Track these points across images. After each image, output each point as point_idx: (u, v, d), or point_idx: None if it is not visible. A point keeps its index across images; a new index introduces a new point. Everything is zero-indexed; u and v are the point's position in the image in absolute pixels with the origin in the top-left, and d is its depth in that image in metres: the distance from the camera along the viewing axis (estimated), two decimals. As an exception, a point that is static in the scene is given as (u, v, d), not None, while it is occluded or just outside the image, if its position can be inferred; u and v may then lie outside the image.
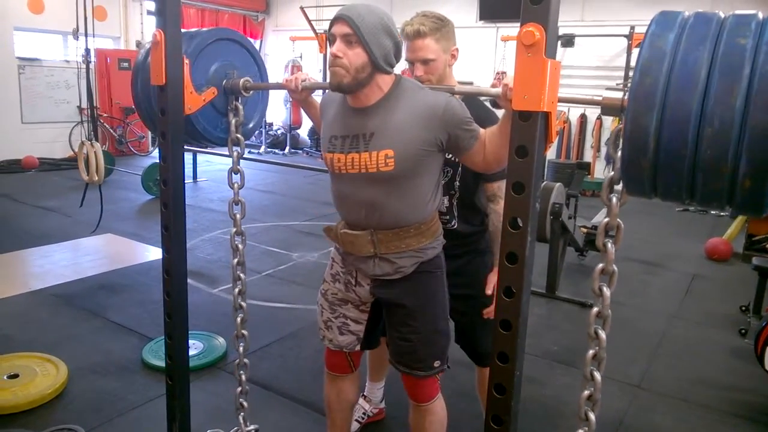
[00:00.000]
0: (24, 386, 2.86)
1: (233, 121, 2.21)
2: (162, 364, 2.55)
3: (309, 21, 11.35)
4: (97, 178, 4.92)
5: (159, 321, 2.15)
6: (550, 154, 8.65)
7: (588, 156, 10.03)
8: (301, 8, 11.25)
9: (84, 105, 5.76)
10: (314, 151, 12.43)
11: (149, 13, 11.04)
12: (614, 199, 1.37)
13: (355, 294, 2.03)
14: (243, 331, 2.31)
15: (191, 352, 3.06)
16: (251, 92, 2.20)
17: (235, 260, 2.31)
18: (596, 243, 1.38)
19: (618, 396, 3.12)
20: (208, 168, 9.61)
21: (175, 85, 1.86)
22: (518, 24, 1.18)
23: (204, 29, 2.30)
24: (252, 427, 2.42)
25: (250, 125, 2.41)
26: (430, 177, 1.89)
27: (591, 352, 1.38)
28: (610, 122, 9.72)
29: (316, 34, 11.58)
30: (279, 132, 13.01)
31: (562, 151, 10.11)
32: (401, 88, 1.85)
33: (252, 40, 13.44)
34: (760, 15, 1.14)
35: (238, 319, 2.30)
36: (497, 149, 1.76)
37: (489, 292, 2.12)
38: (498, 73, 9.59)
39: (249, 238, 6.06)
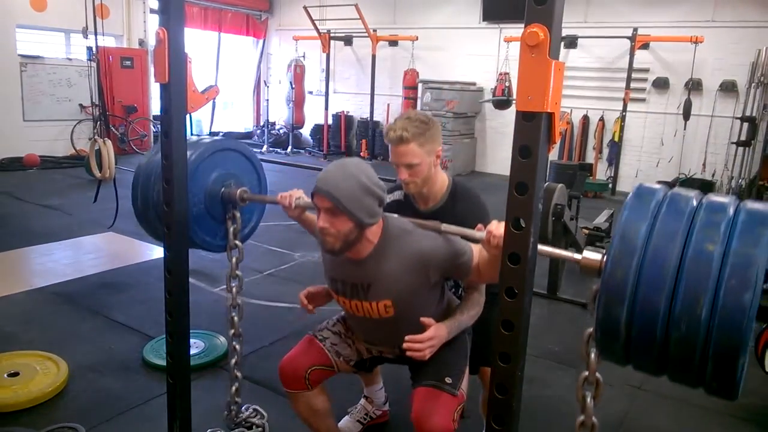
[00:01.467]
0: (24, 384, 2.86)
1: (231, 229, 2.27)
2: (163, 362, 2.55)
3: (312, 20, 11.35)
4: (109, 174, 4.94)
5: (160, 320, 2.15)
6: (552, 155, 8.64)
7: (590, 157, 10.03)
8: (305, 8, 11.26)
9: (89, 103, 5.78)
10: (316, 150, 12.44)
11: (152, 11, 11.04)
12: (593, 355, 1.39)
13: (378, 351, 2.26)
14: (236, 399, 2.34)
15: (192, 351, 3.05)
16: (248, 202, 2.29)
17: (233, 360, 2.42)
18: (576, 395, 1.41)
19: (618, 397, 3.11)
20: (210, 167, 9.59)
21: (178, 83, 1.86)
22: (522, 25, 1.18)
23: (209, 139, 2.34)
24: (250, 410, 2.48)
25: (247, 230, 2.50)
26: (434, 298, 2.02)
27: None
28: (612, 124, 9.72)
29: (319, 33, 11.58)
30: (281, 131, 13.01)
31: (564, 153, 10.10)
32: (389, 236, 1.92)
33: (256, 40, 13.45)
34: (731, 211, 1.15)
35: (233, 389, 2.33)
36: (489, 273, 1.84)
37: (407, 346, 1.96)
38: (501, 74, 9.58)
39: (252, 237, 6.03)
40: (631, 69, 9.19)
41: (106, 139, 4.99)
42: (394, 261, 1.89)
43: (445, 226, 1.85)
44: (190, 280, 2.14)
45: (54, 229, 5.81)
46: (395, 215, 1.99)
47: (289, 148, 12.44)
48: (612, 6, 9.64)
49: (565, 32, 8.59)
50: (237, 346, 2.46)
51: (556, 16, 1.17)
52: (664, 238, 1.16)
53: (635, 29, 9.06)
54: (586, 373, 1.39)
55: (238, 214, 2.28)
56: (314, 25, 11.44)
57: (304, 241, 5.70)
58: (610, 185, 9.55)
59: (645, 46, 9.22)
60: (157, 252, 5.18)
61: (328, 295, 2.22)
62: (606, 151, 9.91)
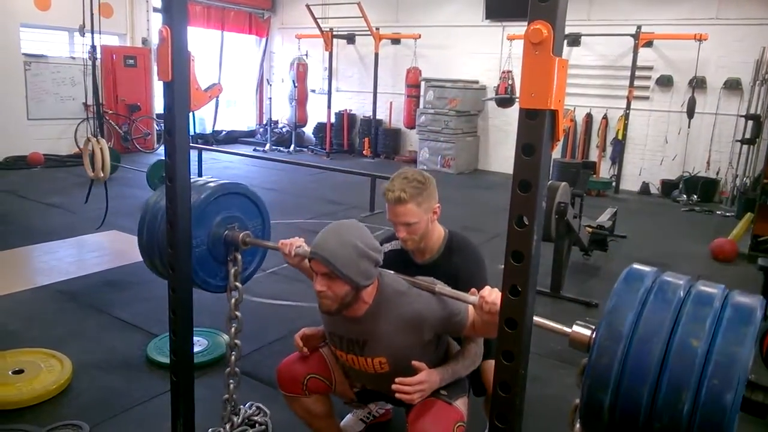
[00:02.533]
0: (29, 382, 2.87)
1: (232, 271, 2.29)
2: (166, 360, 2.56)
3: (315, 19, 11.35)
4: (102, 175, 4.93)
5: (164, 317, 2.16)
6: (556, 153, 8.63)
7: (593, 155, 10.01)
8: (307, 6, 11.26)
9: (90, 102, 5.78)
10: (319, 149, 12.44)
11: (155, 10, 11.05)
12: (577, 425, 1.41)
13: None
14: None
15: (195, 349, 3.06)
16: (249, 246, 2.33)
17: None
18: None
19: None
20: (214, 165, 9.62)
21: (181, 81, 1.86)
22: (524, 23, 1.18)
23: (215, 183, 2.36)
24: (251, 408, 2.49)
25: (248, 272, 2.54)
26: (430, 354, 2.02)
27: None
28: (615, 122, 9.70)
29: (321, 32, 11.58)
30: (284, 130, 13.02)
31: (568, 151, 10.08)
32: (384, 297, 1.94)
33: (258, 38, 13.44)
34: (718, 303, 1.16)
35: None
36: (484, 331, 1.90)
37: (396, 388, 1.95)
38: (503, 72, 9.57)
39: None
40: (634, 67, 9.17)
41: (100, 138, 4.97)
42: (388, 322, 1.93)
43: (439, 288, 1.88)
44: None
45: (57, 227, 5.82)
46: (391, 272, 2.01)
47: (292, 146, 12.44)
48: (615, 4, 9.62)
49: (568, 30, 8.59)
50: (232, 385, 2.48)
51: (560, 13, 1.17)
52: (650, 329, 1.18)
53: (639, 27, 9.04)
54: None
55: (239, 257, 2.31)
56: (317, 23, 11.44)
57: (306, 239, 5.69)
58: (614, 183, 9.53)
59: (649, 43, 9.20)
60: (160, 250, 5.18)
61: (323, 336, 2.25)
62: (609, 149, 9.89)
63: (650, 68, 9.43)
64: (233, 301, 2.35)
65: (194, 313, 2.14)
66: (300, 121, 12.43)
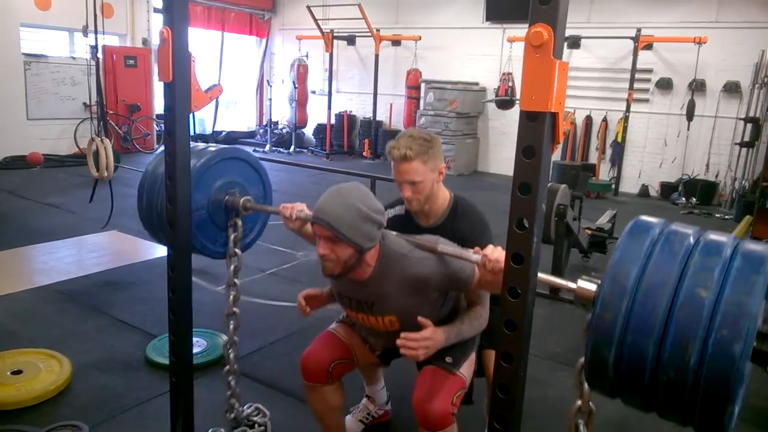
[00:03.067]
0: (28, 382, 2.87)
1: (232, 237, 2.29)
2: (166, 361, 2.56)
3: (315, 20, 11.35)
4: (106, 174, 4.94)
5: (163, 318, 2.16)
6: (555, 155, 8.64)
7: (593, 158, 10.02)
8: (308, 7, 11.26)
9: (91, 102, 5.78)
10: (319, 150, 12.44)
11: (156, 10, 11.05)
12: (586, 385, 1.39)
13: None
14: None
15: (195, 350, 3.06)
16: (250, 211, 2.30)
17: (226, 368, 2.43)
18: (568, 425, 1.41)
19: (619, 401, 3.10)
20: (213, 166, 9.60)
21: (181, 82, 1.86)
22: (524, 25, 1.18)
23: (214, 148, 2.34)
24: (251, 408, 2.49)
25: (249, 239, 2.50)
26: (438, 305, 2.02)
27: None
28: (615, 124, 9.71)
29: (322, 33, 11.58)
30: (284, 131, 13.02)
31: (568, 153, 10.09)
32: (387, 259, 1.94)
33: (259, 39, 13.45)
34: (729, 251, 1.13)
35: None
36: (490, 288, 1.91)
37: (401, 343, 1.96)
38: (504, 74, 9.57)
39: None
40: (634, 69, 9.18)
41: (104, 138, 4.98)
42: (393, 284, 1.93)
43: (441, 247, 1.86)
44: (193, 278, 2.14)
45: (57, 227, 5.82)
46: (393, 233, 2.00)
47: (292, 147, 12.45)
48: (615, 6, 9.63)
49: (568, 33, 8.57)
50: (232, 354, 2.47)
51: (561, 16, 1.17)
52: (656, 282, 1.14)
53: (639, 30, 9.05)
54: (579, 402, 1.39)
55: (240, 223, 2.29)
56: (317, 24, 11.45)
57: (305, 241, 5.69)
58: (613, 186, 9.54)
59: (648, 46, 9.21)
60: (160, 250, 5.18)
61: (326, 298, 2.24)
62: (609, 151, 9.90)
63: (650, 71, 9.44)
64: (232, 267, 2.34)
65: (193, 313, 2.14)
66: (300, 122, 12.44)
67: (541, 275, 1.38)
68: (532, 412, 2.85)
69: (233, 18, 12.98)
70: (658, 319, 1.12)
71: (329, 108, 12.00)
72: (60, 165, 9.35)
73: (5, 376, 2.89)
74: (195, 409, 2.22)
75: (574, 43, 9.65)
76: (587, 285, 1.31)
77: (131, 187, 7.97)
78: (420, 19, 11.37)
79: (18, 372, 2.93)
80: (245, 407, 2.68)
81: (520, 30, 9.19)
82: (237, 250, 2.32)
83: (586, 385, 1.37)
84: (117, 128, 10.51)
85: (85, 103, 9.98)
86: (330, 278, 1.97)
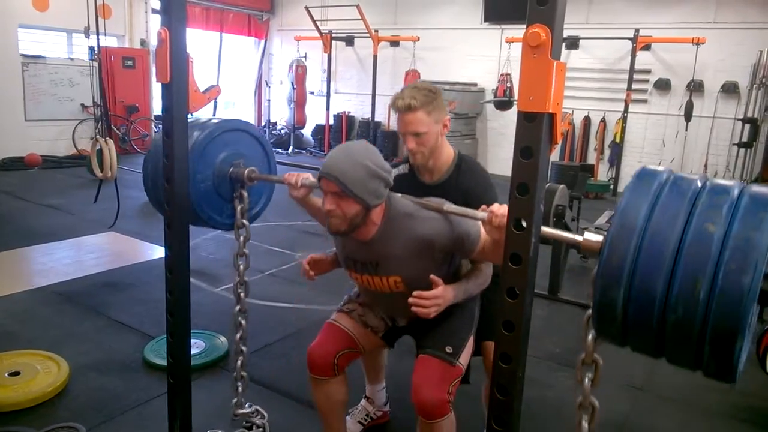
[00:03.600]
0: (25, 384, 2.86)
1: (239, 208, 2.28)
2: (163, 362, 2.55)
3: (314, 21, 11.35)
4: (110, 174, 4.96)
5: (161, 319, 2.15)
6: (554, 156, 8.65)
7: (591, 158, 10.02)
8: (306, 8, 11.26)
9: (91, 103, 5.80)
10: (318, 150, 12.44)
11: (154, 11, 11.05)
12: (590, 337, 1.37)
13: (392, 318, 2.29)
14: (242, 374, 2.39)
15: (193, 351, 3.06)
16: (255, 182, 2.29)
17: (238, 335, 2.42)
18: (576, 376, 1.39)
19: (620, 398, 3.11)
20: (211, 167, 9.60)
21: (179, 83, 1.86)
22: (523, 26, 1.18)
23: (217, 120, 2.34)
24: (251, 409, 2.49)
25: (255, 211, 2.49)
26: (444, 266, 2.01)
27: None
28: (613, 125, 9.71)
29: (320, 34, 11.58)
30: (283, 132, 13.02)
31: (566, 154, 10.10)
32: (392, 219, 1.94)
33: (257, 40, 13.44)
34: (736, 192, 1.13)
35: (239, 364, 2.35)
36: (493, 254, 1.86)
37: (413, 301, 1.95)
38: (502, 75, 9.58)
39: (253, 237, 6.01)
40: (632, 70, 9.18)
41: (107, 138, 5.00)
42: (398, 244, 1.92)
43: (447, 206, 1.83)
44: (191, 280, 2.14)
45: (55, 228, 5.81)
46: (398, 195, 1.99)
47: (291, 148, 12.45)
48: (613, 7, 9.64)
49: (566, 33, 8.58)
50: (243, 347, 2.45)
51: (558, 17, 1.17)
52: (664, 220, 1.14)
53: (637, 30, 9.06)
54: (583, 355, 1.37)
55: (245, 194, 2.28)
56: (316, 25, 11.45)
57: (304, 242, 5.71)
58: (612, 186, 9.55)
59: (646, 47, 9.22)
60: (158, 252, 5.18)
61: (331, 263, 2.24)
62: (607, 152, 9.91)
63: (648, 72, 9.45)
64: (242, 238, 2.34)
65: (191, 315, 2.14)
66: (299, 122, 12.43)
67: (545, 229, 1.39)
68: (531, 413, 2.85)
69: (231, 19, 12.98)
70: (667, 257, 1.12)
71: (328, 109, 12.00)
72: (58, 166, 9.34)
73: (3, 378, 2.89)
74: (193, 411, 2.22)
75: (573, 43, 9.66)
76: (593, 237, 1.32)
77: (130, 188, 8.00)
78: (418, 19, 11.37)
79: (15, 373, 2.93)
80: (246, 406, 2.67)
81: (519, 31, 9.18)
82: (245, 221, 2.31)
83: (590, 337, 1.36)
84: (115, 129, 10.50)
85: (83, 104, 9.98)
86: (336, 236, 1.97)
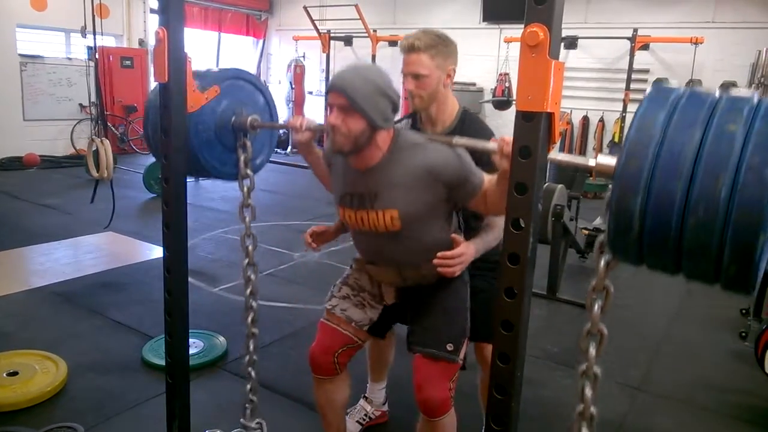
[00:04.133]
0: (23, 384, 2.86)
1: (242, 158, 2.24)
2: (162, 362, 2.55)
3: (312, 21, 11.35)
4: (107, 174, 4.95)
5: (159, 319, 2.15)
6: (552, 155, 8.67)
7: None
8: (305, 8, 11.25)
9: (89, 102, 5.79)
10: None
11: (152, 11, 11.04)
12: (602, 262, 1.33)
13: (379, 290, 2.18)
14: (254, 330, 2.33)
15: (191, 351, 3.06)
16: (259, 130, 2.25)
17: (248, 291, 2.35)
18: (586, 303, 1.35)
19: (618, 398, 3.11)
20: (210, 167, 9.60)
21: (177, 82, 1.86)
22: (522, 25, 1.18)
23: (216, 69, 2.32)
24: (255, 421, 2.44)
25: (259, 160, 2.45)
26: (442, 219, 1.96)
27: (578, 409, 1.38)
28: (612, 125, 9.72)
29: (319, 33, 11.58)
30: (281, 132, 13.01)
31: (564, 153, 10.10)
32: (399, 145, 1.88)
33: (256, 40, 13.44)
34: (755, 99, 1.12)
35: (249, 319, 2.32)
36: (496, 201, 1.78)
37: (438, 262, 1.92)
38: (501, 75, 9.58)
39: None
40: (631, 70, 9.19)
41: (103, 138, 4.99)
42: (402, 172, 1.86)
43: (456, 139, 1.78)
44: (190, 279, 2.14)
45: (53, 228, 5.81)
46: (407, 129, 1.96)
47: (289, 148, 12.44)
48: (612, 7, 9.64)
49: (565, 33, 8.58)
50: (253, 304, 2.34)
51: (556, 16, 1.17)
52: (684, 125, 1.12)
53: (635, 30, 9.06)
54: (594, 281, 1.32)
55: (249, 143, 2.24)
56: (314, 25, 11.44)
57: (302, 242, 5.69)
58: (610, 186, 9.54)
59: (645, 46, 9.22)
60: (156, 252, 5.18)
61: (334, 233, 2.25)
62: (606, 151, 9.91)
63: (647, 71, 9.46)
64: (246, 188, 2.29)
65: (190, 315, 2.14)
66: (297, 122, 12.42)
67: (559, 155, 1.39)
68: (530, 413, 2.86)
69: (230, 18, 12.97)
70: (688, 159, 1.09)
71: (326, 108, 11.97)
72: (56, 166, 9.33)
73: (1, 378, 2.89)
74: (192, 411, 2.22)
75: (571, 43, 9.65)
76: (607, 159, 1.29)
77: (129, 189, 7.99)
78: (417, 19, 11.36)
79: (14, 374, 2.93)
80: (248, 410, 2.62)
81: (517, 30, 9.16)
82: (249, 171, 2.27)
83: (603, 262, 1.32)
84: (114, 129, 10.49)
85: (81, 104, 9.97)
86: (338, 154, 1.91)
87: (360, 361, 2.52)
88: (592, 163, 1.32)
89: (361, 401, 2.75)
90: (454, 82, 2.23)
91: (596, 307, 1.32)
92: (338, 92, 1.78)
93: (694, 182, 1.09)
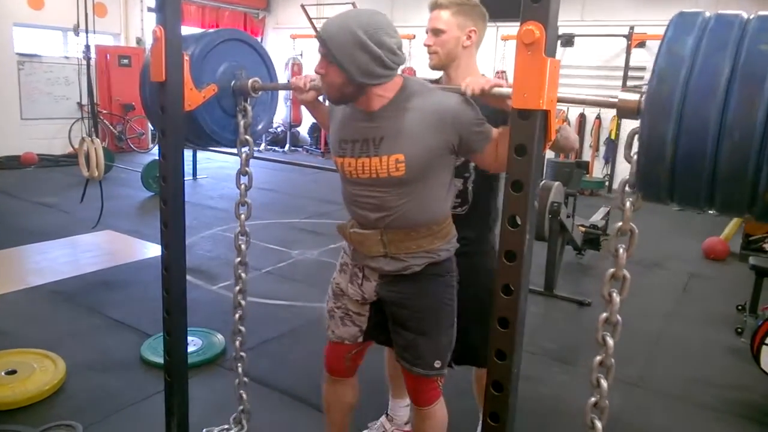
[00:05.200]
0: (22, 382, 2.86)
1: (242, 123, 2.19)
2: (160, 360, 2.55)
3: (309, 19, 11.32)
4: (97, 174, 4.94)
5: (158, 318, 2.16)
6: (549, 153, 8.66)
7: (587, 155, 10.03)
8: (302, 6, 11.24)
9: (84, 101, 5.78)
10: (314, 148, 12.43)
11: (149, 9, 11.02)
12: (628, 203, 1.31)
13: (359, 289, 1.98)
14: (240, 327, 2.33)
15: (190, 349, 3.06)
16: (260, 93, 2.20)
17: (238, 260, 2.31)
18: (608, 247, 1.33)
19: (614, 394, 3.11)
20: (208, 165, 9.61)
21: (174, 81, 1.86)
22: (518, 23, 1.18)
23: (212, 30, 2.28)
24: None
25: (259, 126, 2.39)
26: (442, 178, 1.84)
27: (598, 358, 1.37)
28: (609, 122, 9.73)
29: (317, 32, 11.53)
30: (279, 130, 13.00)
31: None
32: (408, 92, 1.78)
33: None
34: None
35: (237, 316, 2.31)
36: (501, 161, 1.67)
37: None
38: (498, 72, 9.59)
39: (250, 235, 6.03)
40: (627, 67, 9.19)
41: (94, 138, 4.98)
42: (413, 114, 1.75)
43: (466, 87, 1.67)
44: (188, 278, 2.14)
45: (51, 227, 5.80)
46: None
47: (287, 146, 12.44)
48: (608, 4, 9.65)
49: (561, 30, 8.60)
50: (243, 274, 2.33)
51: (552, 14, 1.18)
52: (714, 47, 1.08)
53: (632, 28, 9.07)
54: (620, 223, 1.32)
55: (249, 108, 2.18)
56: (311, 23, 11.42)
57: (300, 240, 5.71)
58: (607, 183, 9.57)
59: (641, 44, 9.23)
60: (154, 250, 5.18)
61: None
62: (602, 149, 9.92)
63: (643, 69, 9.45)
64: (244, 155, 2.25)
65: (188, 313, 2.14)
66: (295, 121, 12.42)
67: (581, 95, 1.41)
68: (527, 409, 2.87)
69: (227, 17, 12.95)
70: (721, 81, 1.06)
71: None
72: (54, 165, 9.32)
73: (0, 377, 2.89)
74: (190, 408, 2.22)
75: (567, 41, 9.67)
76: (629, 96, 1.27)
77: (126, 187, 7.99)
78: (414, 17, 11.34)
79: (12, 372, 2.93)
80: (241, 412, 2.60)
81: (515, 28, 9.20)
82: (248, 137, 2.21)
83: (629, 202, 1.29)
84: (111, 128, 10.48)
85: (79, 103, 9.94)
86: (331, 102, 1.85)
87: (374, 370, 2.50)
88: (614, 99, 1.31)
89: (382, 418, 2.66)
90: (478, 47, 2.17)
91: (621, 250, 1.32)
92: (320, 41, 1.70)
93: (728, 105, 1.05)
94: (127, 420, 2.73)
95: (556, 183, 4.44)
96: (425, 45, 2.08)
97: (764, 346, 3.06)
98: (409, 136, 1.75)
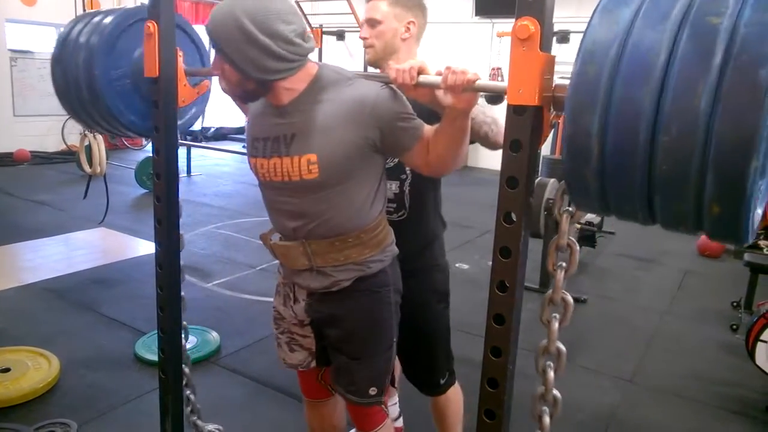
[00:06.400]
0: (16, 380, 2.85)
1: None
2: (155, 358, 2.55)
3: (304, 15, 11.30)
4: (99, 170, 4.92)
5: (152, 315, 2.15)
6: (544, 149, 8.67)
7: (582, 152, 10.05)
8: (297, 2, 11.21)
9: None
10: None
11: (142, 6, 10.97)
12: (565, 216, 1.18)
13: (292, 311, 1.83)
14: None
15: (184, 347, 3.06)
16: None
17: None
18: (547, 265, 1.20)
19: (610, 390, 3.13)
20: (203, 162, 9.57)
21: (168, 77, 1.85)
22: (514, 19, 1.18)
23: (131, 7, 2.08)
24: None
25: (187, 117, 2.20)
26: (367, 180, 1.62)
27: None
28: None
29: (311, 28, 11.54)
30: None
31: (557, 147, 10.11)
32: (323, 83, 1.56)
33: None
34: None
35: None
36: (442, 151, 1.52)
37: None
38: (493, 69, 9.58)
39: (244, 232, 6.05)
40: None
41: (96, 134, 4.96)
42: (327, 109, 1.53)
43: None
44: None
45: (45, 224, 5.78)
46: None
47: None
48: (604, 1, 9.65)
49: (557, 27, 8.61)
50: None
51: (548, 10, 1.17)
52: (653, 19, 0.89)
53: (627, 24, 9.07)
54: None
55: None
56: (306, 19, 11.39)
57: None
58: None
59: (637, 41, 9.24)
60: (148, 247, 5.16)
61: None
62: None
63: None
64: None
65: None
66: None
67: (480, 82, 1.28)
68: (521, 406, 2.86)
69: (222, 13, 12.89)
70: (658, 61, 0.86)
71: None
72: (47, 162, 9.27)
73: (-7, 375, 2.88)
74: (184, 406, 2.22)
75: (563, 38, 9.66)
76: (565, 81, 1.06)
77: (120, 184, 7.95)
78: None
79: (6, 370, 2.92)
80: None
81: (510, 24, 9.20)
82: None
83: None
84: (105, 124, 10.42)
85: (72, 100, 9.90)
86: (238, 103, 1.72)
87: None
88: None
89: None
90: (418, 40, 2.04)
91: (560, 272, 1.23)
92: (208, 35, 1.50)
93: (665, 90, 0.86)
94: (122, 418, 2.72)
95: (552, 180, 4.44)
96: (361, 38, 1.94)
97: (759, 343, 3.07)
98: (321, 132, 1.53)
